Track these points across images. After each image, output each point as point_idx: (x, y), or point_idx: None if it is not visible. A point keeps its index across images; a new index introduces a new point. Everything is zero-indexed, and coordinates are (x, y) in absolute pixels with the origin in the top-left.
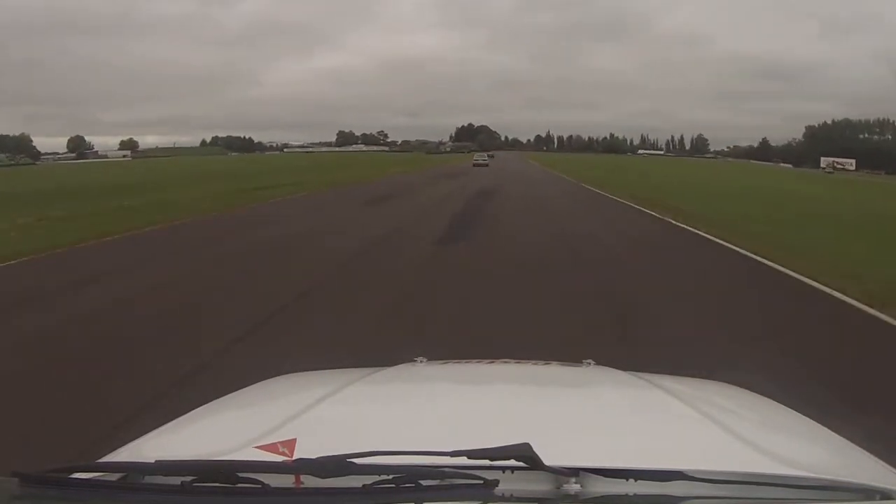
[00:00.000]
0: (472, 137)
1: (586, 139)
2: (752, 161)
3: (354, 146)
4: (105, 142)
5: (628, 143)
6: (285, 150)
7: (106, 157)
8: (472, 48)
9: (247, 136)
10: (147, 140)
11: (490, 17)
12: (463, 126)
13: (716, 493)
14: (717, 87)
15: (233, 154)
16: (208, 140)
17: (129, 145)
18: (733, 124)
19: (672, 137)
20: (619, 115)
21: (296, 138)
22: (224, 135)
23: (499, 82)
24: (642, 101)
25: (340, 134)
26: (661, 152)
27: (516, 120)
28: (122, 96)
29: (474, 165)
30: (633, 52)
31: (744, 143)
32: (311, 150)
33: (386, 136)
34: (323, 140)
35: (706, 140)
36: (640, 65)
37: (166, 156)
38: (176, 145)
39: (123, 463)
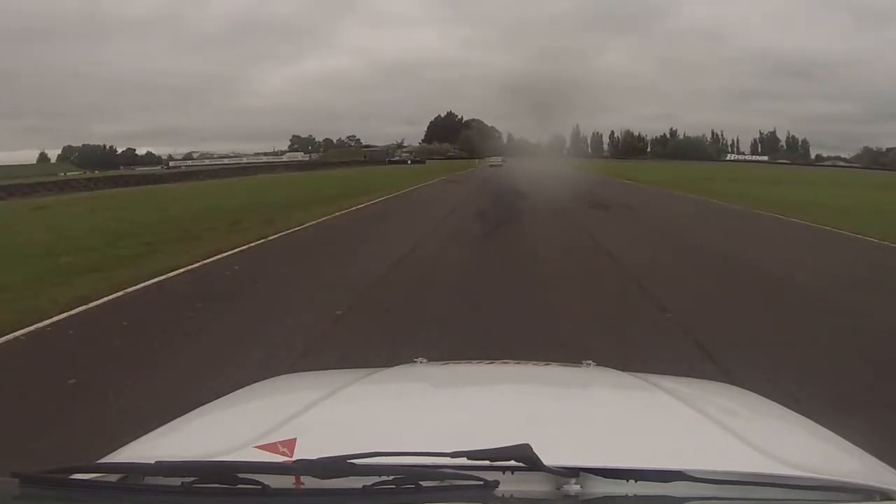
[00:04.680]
0: (454, 135)
1: (637, 135)
2: None
3: (285, 156)
4: None
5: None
6: (171, 164)
7: None
8: (478, 45)
9: (108, 146)
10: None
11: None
12: (439, 117)
13: (716, 493)
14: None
15: (71, 174)
16: (57, 152)
17: None
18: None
19: (760, 133)
20: (636, 118)
21: (263, 147)
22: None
23: (508, 81)
24: (668, 103)
25: (295, 139)
26: (764, 158)
27: (525, 120)
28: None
29: (490, 167)
30: (661, 48)
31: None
32: (210, 163)
33: (360, 141)
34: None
35: (797, 140)
36: (673, 64)
37: None
38: (3, 164)
39: (123, 464)
